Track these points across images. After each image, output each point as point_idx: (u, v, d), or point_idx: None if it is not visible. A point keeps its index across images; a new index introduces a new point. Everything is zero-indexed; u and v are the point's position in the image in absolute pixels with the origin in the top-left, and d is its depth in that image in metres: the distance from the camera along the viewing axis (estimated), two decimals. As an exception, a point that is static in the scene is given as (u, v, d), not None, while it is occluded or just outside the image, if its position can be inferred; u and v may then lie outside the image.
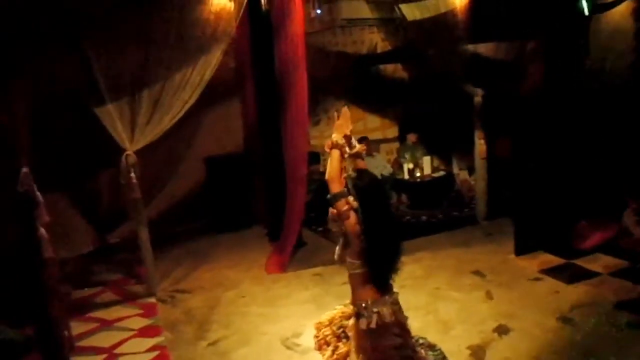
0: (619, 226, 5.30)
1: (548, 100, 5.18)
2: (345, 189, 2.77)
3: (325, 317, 3.20)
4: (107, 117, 4.68)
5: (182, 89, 4.75)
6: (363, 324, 2.78)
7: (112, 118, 4.68)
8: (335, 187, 2.75)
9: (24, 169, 3.57)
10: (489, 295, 4.47)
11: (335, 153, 2.84)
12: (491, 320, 4.00)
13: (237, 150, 7.38)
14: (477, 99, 6.15)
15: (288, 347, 3.87)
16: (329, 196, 2.76)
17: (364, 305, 2.80)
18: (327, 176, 2.80)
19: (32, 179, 3.63)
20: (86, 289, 5.34)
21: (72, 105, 5.52)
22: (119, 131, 4.71)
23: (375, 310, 2.78)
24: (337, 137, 2.88)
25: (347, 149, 2.90)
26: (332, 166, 2.82)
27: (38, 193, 3.68)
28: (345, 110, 3.04)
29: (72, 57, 5.21)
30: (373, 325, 2.76)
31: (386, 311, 2.79)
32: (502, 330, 3.84)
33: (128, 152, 4.73)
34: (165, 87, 4.71)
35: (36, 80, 5.54)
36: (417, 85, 8.37)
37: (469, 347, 3.63)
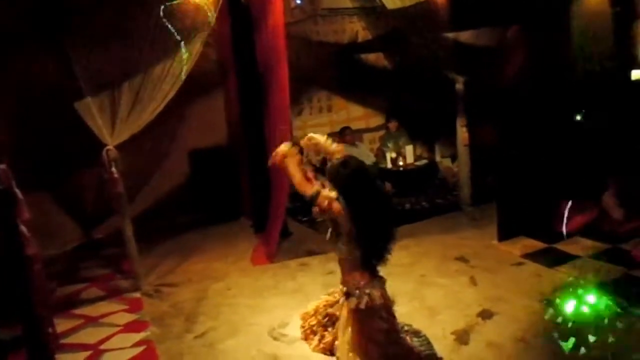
0: (599, 208, 5.39)
1: (529, 85, 5.22)
2: (318, 186, 2.80)
3: (310, 306, 3.22)
4: (86, 112, 4.61)
5: (162, 81, 4.69)
6: (352, 303, 2.82)
7: (92, 113, 4.61)
8: (308, 190, 2.79)
9: (2, 166, 3.53)
10: (473, 281, 4.52)
11: (290, 162, 2.90)
12: (475, 305, 4.05)
13: (221, 143, 7.35)
14: (459, 86, 6.18)
15: (275, 338, 3.89)
16: (306, 199, 2.79)
17: (355, 285, 2.83)
18: (296, 187, 2.84)
19: (11, 176, 3.58)
20: (71, 285, 5.30)
21: (54, 101, 5.45)
22: (99, 126, 4.64)
23: (366, 291, 2.82)
24: (281, 148, 2.96)
25: (299, 155, 2.97)
26: (293, 174, 2.87)
27: (17, 190, 3.63)
28: (310, 136, 3.13)
29: (52, 52, 5.15)
30: (362, 305, 2.80)
31: (376, 293, 2.83)
32: (486, 315, 3.90)
33: (109, 147, 4.68)
34: (145, 80, 4.64)
35: (15, 76, 5.47)
36: (399, 73, 8.39)
37: (453, 332, 3.68)
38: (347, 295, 2.86)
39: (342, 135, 8.13)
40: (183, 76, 4.77)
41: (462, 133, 6.33)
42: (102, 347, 4.01)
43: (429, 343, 3.23)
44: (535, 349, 3.41)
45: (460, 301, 4.17)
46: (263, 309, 4.40)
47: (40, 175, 5.80)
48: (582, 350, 3.29)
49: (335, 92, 8.36)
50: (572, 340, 3.40)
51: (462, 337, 3.61)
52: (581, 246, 4.98)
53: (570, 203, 5.43)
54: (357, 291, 2.82)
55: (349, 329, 2.85)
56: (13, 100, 5.71)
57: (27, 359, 3.74)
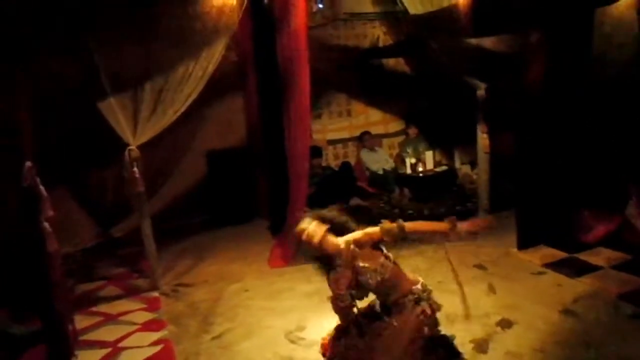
0: (622, 218, 5.30)
1: (550, 92, 5.16)
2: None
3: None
4: (109, 112, 4.67)
5: (184, 83, 4.74)
6: (427, 308, 2.87)
7: (115, 112, 4.67)
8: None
9: (28, 163, 3.58)
10: (491, 289, 4.47)
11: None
12: (494, 314, 4.00)
13: (239, 144, 7.38)
14: (480, 92, 6.13)
15: (292, 341, 3.89)
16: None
17: (421, 288, 2.90)
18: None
19: (36, 173, 3.64)
20: (89, 283, 5.35)
21: (76, 100, 5.53)
22: (121, 126, 4.70)
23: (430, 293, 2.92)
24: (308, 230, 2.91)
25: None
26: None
27: (42, 187, 3.68)
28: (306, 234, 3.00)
29: (76, 51, 5.21)
30: (435, 308, 2.91)
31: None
32: (505, 324, 3.85)
33: (131, 147, 4.72)
34: (167, 81, 4.69)
35: (39, 74, 5.54)
36: (419, 79, 8.36)
37: (472, 341, 3.64)
38: (418, 300, 2.88)
39: (361, 140, 8.13)
40: (205, 78, 4.81)
41: (482, 140, 6.27)
42: (121, 344, 4.04)
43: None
44: (554, 359, 3.35)
45: (479, 309, 4.12)
46: (279, 311, 4.40)
47: (59, 173, 5.87)
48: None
49: (354, 96, 8.36)
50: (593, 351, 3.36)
51: (481, 346, 3.57)
52: (603, 257, 4.90)
53: (592, 212, 5.35)
54: (425, 294, 2.89)
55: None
56: (36, 99, 5.79)
57: (47, 354, 3.80)
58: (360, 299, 2.98)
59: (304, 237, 2.91)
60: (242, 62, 6.97)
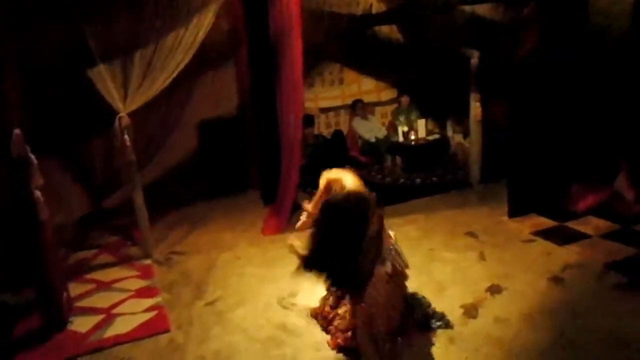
0: (611, 189, 5.35)
1: (544, 62, 5.13)
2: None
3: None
4: (99, 79, 4.62)
5: (174, 50, 4.67)
6: (388, 267, 2.99)
7: (104, 80, 4.61)
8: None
9: (16, 131, 3.54)
10: (482, 256, 4.53)
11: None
12: (484, 281, 4.06)
13: (231, 115, 7.31)
14: (474, 60, 6.09)
15: (284, 307, 3.94)
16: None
17: (390, 248, 3.04)
18: None
19: (25, 141, 3.60)
20: (82, 252, 5.36)
21: (65, 68, 5.44)
22: (111, 93, 4.65)
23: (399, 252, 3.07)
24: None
25: None
26: None
27: (31, 155, 3.65)
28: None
29: (64, 19, 5.11)
30: (399, 266, 3.07)
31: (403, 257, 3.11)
32: (494, 290, 3.92)
33: (121, 114, 4.68)
34: (157, 48, 4.63)
35: (26, 41, 5.43)
36: (413, 47, 8.27)
37: (462, 306, 3.70)
38: (383, 261, 2.99)
39: (354, 108, 8.08)
40: (196, 46, 4.74)
41: (475, 109, 6.26)
42: (115, 311, 4.08)
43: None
44: (541, 326, 3.42)
45: (469, 276, 4.18)
46: (272, 278, 4.44)
47: (49, 142, 5.80)
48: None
49: (347, 65, 8.27)
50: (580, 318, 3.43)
51: (470, 312, 3.63)
52: (592, 226, 4.96)
53: (582, 182, 5.40)
54: (389, 255, 3.04)
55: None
56: (23, 68, 5.69)
57: (41, 322, 3.83)
58: None
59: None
60: (233, 31, 6.85)
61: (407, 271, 3.27)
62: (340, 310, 3.33)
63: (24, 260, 3.87)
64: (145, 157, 6.45)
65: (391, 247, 3.10)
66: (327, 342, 3.35)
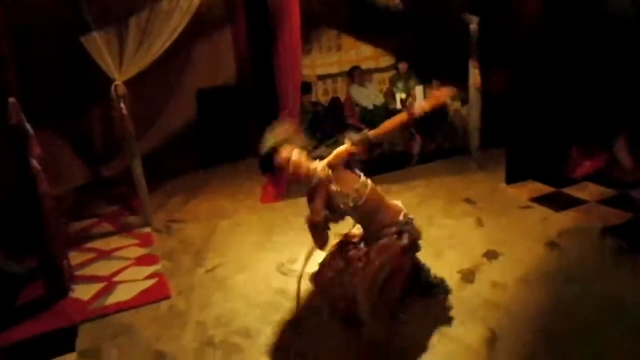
0: (609, 155, 5.36)
1: (546, 27, 5.07)
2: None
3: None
4: (93, 47, 4.55)
5: (170, 15, 4.60)
6: (405, 239, 2.92)
7: (99, 48, 4.54)
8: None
9: (11, 99, 3.51)
10: (479, 223, 4.56)
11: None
12: (481, 246, 4.10)
13: (229, 82, 7.25)
14: (473, 26, 6.01)
15: (284, 273, 3.98)
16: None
17: (402, 220, 2.94)
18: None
19: (20, 111, 3.57)
20: (81, 221, 5.39)
21: (60, 36, 5.37)
22: (106, 61, 4.59)
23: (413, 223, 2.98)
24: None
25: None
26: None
27: (28, 125, 3.63)
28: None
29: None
30: (416, 237, 2.98)
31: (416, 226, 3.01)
32: (491, 255, 3.96)
33: (117, 83, 4.63)
34: (152, 13, 4.55)
35: (18, 9, 5.34)
36: (411, 12, 8.15)
37: (459, 271, 3.75)
38: (400, 233, 2.92)
39: (351, 75, 8.00)
40: (192, 10, 4.66)
41: (474, 76, 6.21)
42: (115, 279, 4.12)
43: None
44: (538, 290, 3.47)
45: (466, 242, 4.22)
46: (271, 245, 4.48)
47: (46, 112, 5.76)
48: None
49: (345, 31, 8.16)
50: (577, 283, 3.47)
51: (467, 276, 3.68)
52: (589, 191, 4.98)
53: (580, 148, 5.40)
54: (406, 226, 2.94)
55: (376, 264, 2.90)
56: (17, 35, 5.60)
57: (44, 290, 3.88)
58: (335, 221, 3.01)
59: (290, 169, 2.89)
60: (230, -4, 6.75)
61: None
62: (345, 278, 3.30)
63: (26, 229, 3.88)
64: (143, 125, 6.42)
65: (404, 218, 3.01)
66: (326, 308, 3.38)
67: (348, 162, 2.93)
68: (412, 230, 2.98)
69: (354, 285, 2.96)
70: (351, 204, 2.87)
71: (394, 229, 2.93)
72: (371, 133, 2.87)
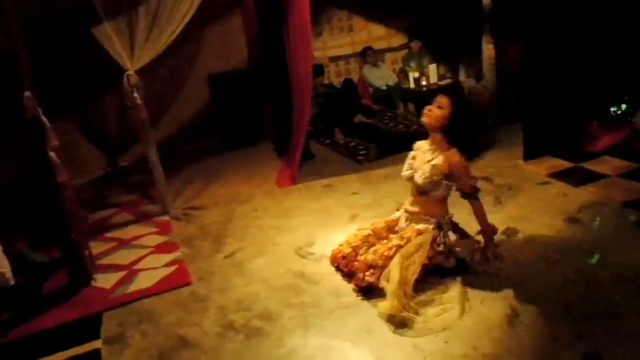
0: (630, 127, 5.25)
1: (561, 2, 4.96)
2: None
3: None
4: (104, 37, 4.56)
5: (179, 2, 4.58)
6: (452, 236, 3.46)
7: (110, 37, 4.55)
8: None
9: (27, 93, 3.54)
10: (497, 200, 4.52)
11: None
12: (500, 224, 4.02)
13: (240, 66, 7.26)
14: (486, 1, 5.91)
15: (302, 256, 3.99)
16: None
17: (446, 220, 3.50)
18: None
19: (37, 103, 3.60)
20: (101, 211, 5.46)
21: (71, 27, 5.39)
22: (118, 51, 4.60)
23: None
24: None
25: None
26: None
27: (44, 117, 3.66)
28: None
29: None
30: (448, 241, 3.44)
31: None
32: (511, 233, 3.93)
33: (129, 72, 4.65)
34: (161, 1, 4.53)
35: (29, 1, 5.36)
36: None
37: (479, 250, 3.71)
38: (440, 226, 3.43)
39: (364, 55, 7.95)
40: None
41: (488, 51, 6.13)
42: (136, 267, 4.17)
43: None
44: (558, 265, 3.44)
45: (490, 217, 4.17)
46: (289, 229, 4.49)
47: (61, 104, 5.82)
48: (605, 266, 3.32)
49: (355, 11, 8.09)
50: (596, 256, 3.43)
51: (487, 255, 3.64)
52: (610, 165, 4.89)
53: (599, 122, 5.30)
54: (447, 224, 3.47)
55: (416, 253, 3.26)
56: (30, 28, 5.63)
57: (67, 279, 3.95)
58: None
59: None
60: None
61: None
62: (373, 248, 3.37)
63: (48, 221, 3.94)
64: (157, 113, 6.48)
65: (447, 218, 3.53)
66: (353, 282, 3.39)
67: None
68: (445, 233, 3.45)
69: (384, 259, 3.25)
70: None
71: (434, 220, 3.43)
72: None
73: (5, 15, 3.52)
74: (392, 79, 7.95)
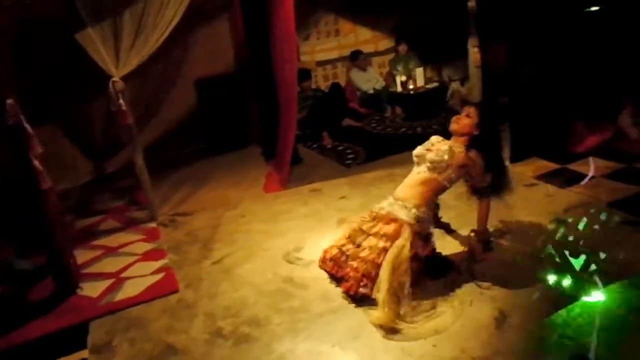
0: (614, 128, 5.31)
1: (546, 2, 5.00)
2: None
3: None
4: (88, 43, 4.51)
5: (165, 7, 4.55)
6: (418, 226, 3.36)
7: (94, 44, 4.50)
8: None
9: (9, 101, 3.50)
10: (484, 202, 4.52)
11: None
12: (488, 225, 4.07)
13: (227, 71, 7.23)
14: (471, 3, 5.95)
15: (290, 261, 3.98)
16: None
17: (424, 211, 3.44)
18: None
19: (19, 111, 3.57)
20: (87, 218, 5.40)
21: (54, 33, 5.35)
22: (103, 57, 4.54)
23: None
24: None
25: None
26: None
27: (27, 125, 3.62)
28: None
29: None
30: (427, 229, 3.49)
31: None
32: (498, 234, 3.95)
33: (114, 79, 4.61)
34: (146, 6, 4.51)
35: (13, 9, 5.32)
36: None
37: (467, 251, 3.73)
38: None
39: (355, 59, 7.95)
40: (186, 2, 4.62)
41: (473, 54, 6.16)
42: (123, 275, 4.12)
43: None
44: (546, 264, 3.45)
45: (473, 222, 4.16)
46: (277, 234, 4.48)
47: (46, 111, 5.77)
48: (593, 267, 3.33)
49: (342, 15, 8.11)
50: (582, 257, 3.44)
51: (474, 254, 3.67)
52: (595, 166, 4.93)
53: (584, 123, 5.35)
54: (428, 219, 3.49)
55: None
56: (13, 36, 5.59)
57: (53, 288, 3.91)
58: None
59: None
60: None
61: None
62: (362, 254, 3.33)
63: (33, 228, 3.90)
64: (143, 118, 6.44)
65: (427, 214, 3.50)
66: (342, 286, 3.38)
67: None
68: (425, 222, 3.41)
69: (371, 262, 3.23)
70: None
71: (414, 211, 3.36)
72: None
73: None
74: (380, 83, 7.98)
